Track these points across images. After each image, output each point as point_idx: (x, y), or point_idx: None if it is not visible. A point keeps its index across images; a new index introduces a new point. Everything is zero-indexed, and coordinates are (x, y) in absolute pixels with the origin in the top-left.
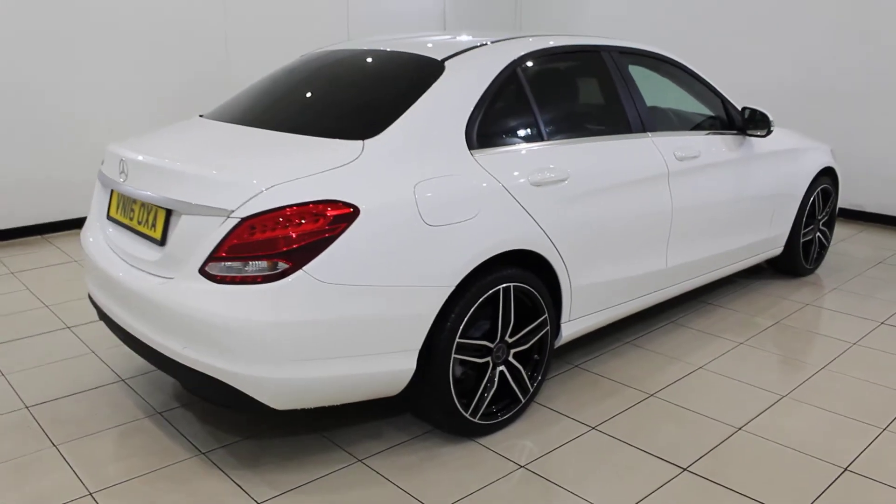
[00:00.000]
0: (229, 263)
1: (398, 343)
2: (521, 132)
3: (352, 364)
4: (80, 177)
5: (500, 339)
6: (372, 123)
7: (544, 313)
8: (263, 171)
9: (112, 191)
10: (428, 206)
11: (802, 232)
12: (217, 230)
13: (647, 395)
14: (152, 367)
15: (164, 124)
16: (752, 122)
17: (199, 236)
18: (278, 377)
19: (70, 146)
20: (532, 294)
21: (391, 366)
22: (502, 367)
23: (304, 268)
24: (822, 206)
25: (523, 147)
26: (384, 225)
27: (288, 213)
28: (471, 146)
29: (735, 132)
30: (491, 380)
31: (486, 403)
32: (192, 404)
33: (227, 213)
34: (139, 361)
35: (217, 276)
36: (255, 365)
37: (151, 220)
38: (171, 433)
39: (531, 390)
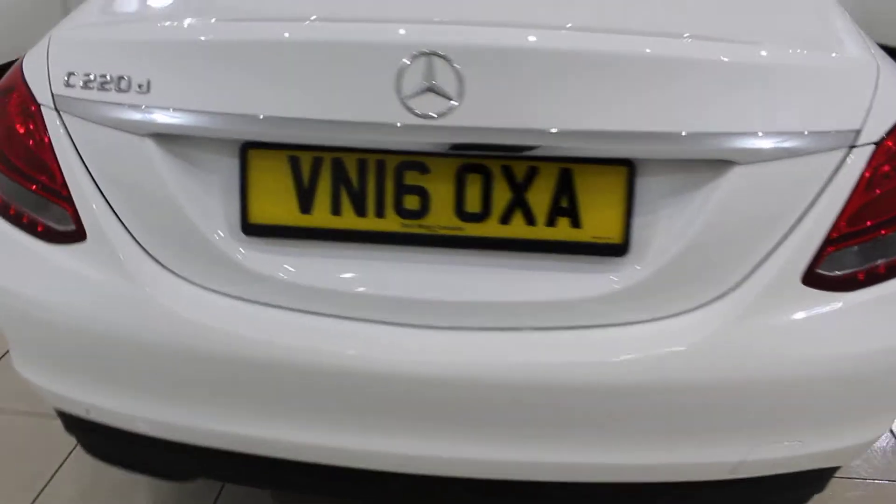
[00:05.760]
0: (860, 246)
1: None
2: None
3: None
4: None
5: None
6: None
7: None
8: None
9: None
10: None
11: None
12: (831, 183)
13: None
14: None
15: None
16: None
17: (770, 206)
18: None
19: None
20: None
21: None
22: None
23: None
24: None
25: None
26: None
27: None
28: None
29: None
30: None
31: None
32: None
33: (851, 140)
34: None
35: (842, 277)
36: None
37: (559, 204)
38: None
39: None
